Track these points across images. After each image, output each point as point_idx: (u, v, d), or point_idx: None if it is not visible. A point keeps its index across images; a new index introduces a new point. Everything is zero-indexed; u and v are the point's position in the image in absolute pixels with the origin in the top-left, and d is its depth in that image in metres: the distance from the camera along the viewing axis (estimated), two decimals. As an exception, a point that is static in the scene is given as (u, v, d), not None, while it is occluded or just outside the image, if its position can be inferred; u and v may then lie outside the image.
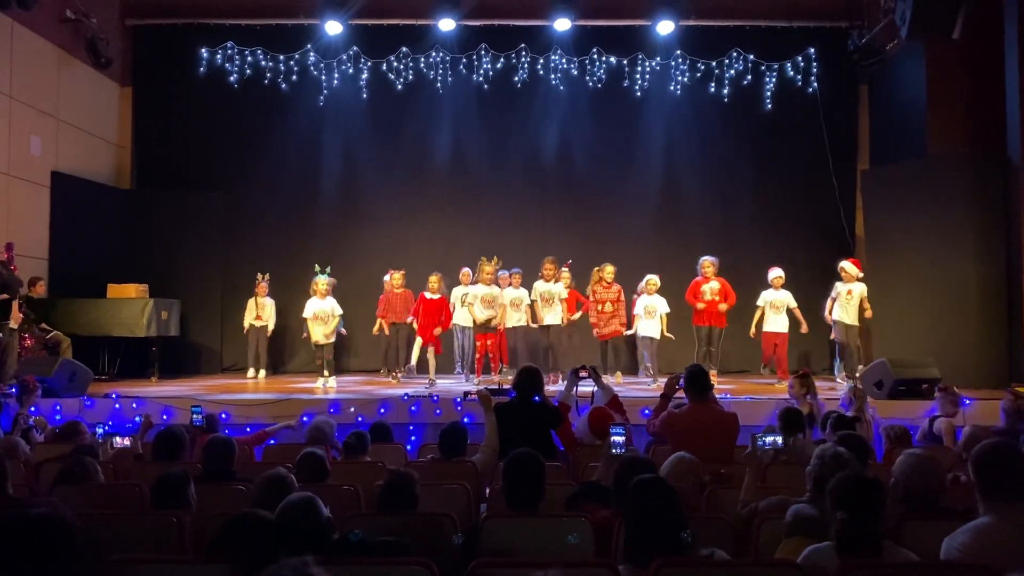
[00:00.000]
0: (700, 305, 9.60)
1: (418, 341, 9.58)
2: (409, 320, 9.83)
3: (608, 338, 9.88)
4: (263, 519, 2.86)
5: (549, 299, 9.71)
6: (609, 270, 9.77)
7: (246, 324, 10.72)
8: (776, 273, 9.77)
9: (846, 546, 2.74)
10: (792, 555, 2.91)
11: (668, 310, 9.70)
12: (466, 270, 9.92)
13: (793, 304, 9.71)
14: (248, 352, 10.80)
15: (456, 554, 3.30)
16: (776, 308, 9.71)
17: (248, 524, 2.84)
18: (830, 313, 9.61)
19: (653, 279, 9.76)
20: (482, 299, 9.72)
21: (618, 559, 3.23)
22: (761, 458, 4.08)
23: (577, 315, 10.01)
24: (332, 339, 9.38)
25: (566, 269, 9.97)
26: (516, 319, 9.84)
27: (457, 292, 9.91)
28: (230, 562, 2.73)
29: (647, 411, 6.81)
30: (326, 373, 9.19)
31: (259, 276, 10.73)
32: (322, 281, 9.36)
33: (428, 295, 9.54)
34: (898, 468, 3.37)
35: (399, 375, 9.93)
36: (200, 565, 2.79)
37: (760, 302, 9.77)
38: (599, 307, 9.78)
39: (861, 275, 9.60)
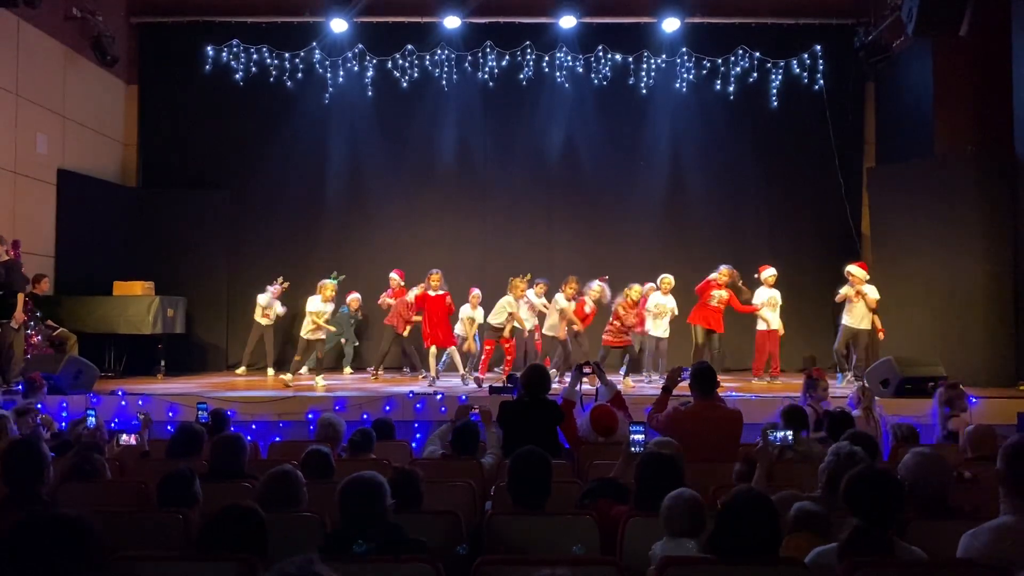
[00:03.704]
0: (714, 294, 9.48)
1: (432, 349, 9.46)
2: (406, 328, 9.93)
3: (613, 345, 9.80)
4: (250, 511, 2.87)
5: (570, 319, 9.39)
6: (636, 289, 9.52)
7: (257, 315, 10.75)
8: (770, 272, 9.74)
9: (854, 550, 2.71)
10: (795, 552, 2.91)
11: (676, 313, 9.68)
12: (476, 292, 9.85)
13: (779, 302, 9.69)
14: (246, 348, 10.81)
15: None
16: (771, 306, 9.69)
17: (235, 517, 2.85)
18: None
19: (668, 278, 9.72)
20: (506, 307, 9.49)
21: (622, 556, 3.24)
22: (770, 453, 4.09)
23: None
24: (321, 335, 9.39)
25: (602, 282, 9.64)
26: (529, 325, 9.61)
27: (465, 311, 9.82)
28: (219, 556, 2.75)
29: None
30: (301, 372, 9.25)
31: (279, 280, 10.63)
32: (330, 285, 9.41)
33: (432, 293, 9.51)
34: (904, 467, 3.35)
35: (379, 373, 10.12)
36: (206, 562, 2.80)
37: (759, 301, 9.70)
38: (619, 323, 9.62)
39: (867, 276, 9.50)
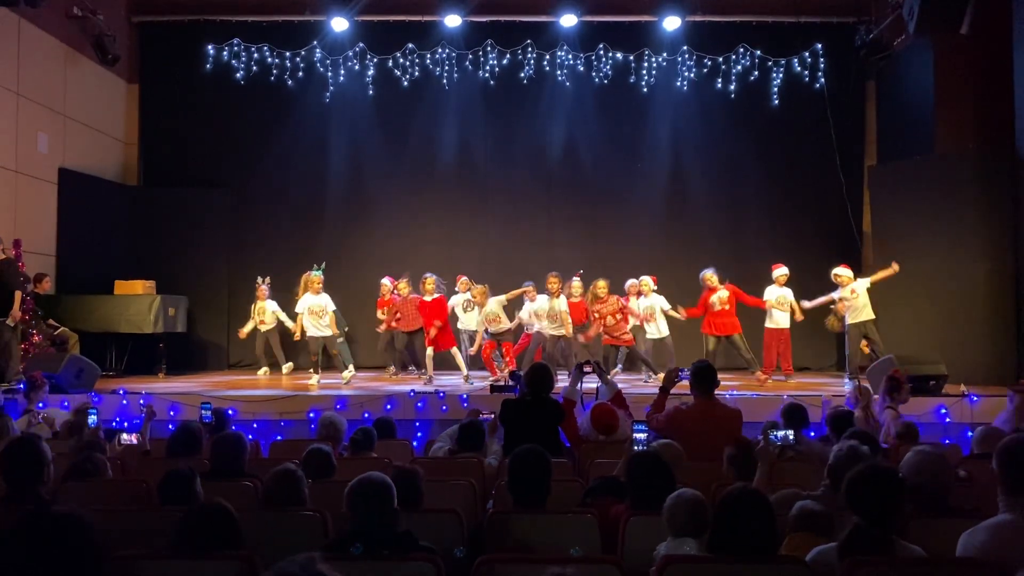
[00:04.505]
0: (713, 300, 9.41)
1: (429, 351, 9.47)
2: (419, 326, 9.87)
3: (614, 343, 9.78)
4: (220, 509, 2.88)
5: (554, 316, 9.31)
6: (601, 285, 9.35)
7: (245, 331, 10.52)
8: (782, 271, 9.73)
9: (855, 548, 2.71)
10: (796, 551, 2.90)
11: (667, 307, 9.69)
12: (464, 279, 9.89)
13: (792, 299, 9.69)
14: (257, 353, 10.81)
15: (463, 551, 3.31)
16: (781, 305, 9.68)
17: (208, 514, 2.86)
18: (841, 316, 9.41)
19: (646, 280, 9.73)
20: (487, 318, 9.50)
21: (623, 554, 3.24)
22: (771, 453, 4.09)
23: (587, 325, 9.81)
24: (327, 332, 9.30)
25: (577, 279, 9.61)
26: (550, 326, 9.36)
27: (457, 299, 9.90)
28: (220, 555, 2.76)
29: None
30: (320, 370, 9.35)
31: (259, 280, 10.57)
32: (316, 278, 9.32)
33: (426, 298, 9.52)
34: (905, 465, 3.34)
35: (397, 374, 10.26)
36: (206, 561, 2.80)
37: (769, 299, 9.70)
38: (603, 322, 9.59)
39: (852, 274, 9.38)
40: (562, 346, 9.51)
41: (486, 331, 9.59)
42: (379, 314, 10.40)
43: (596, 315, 9.35)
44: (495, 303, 9.51)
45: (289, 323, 9.95)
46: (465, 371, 9.42)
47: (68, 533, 2.15)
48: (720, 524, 2.75)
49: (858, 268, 10.26)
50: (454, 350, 9.48)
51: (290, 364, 10.66)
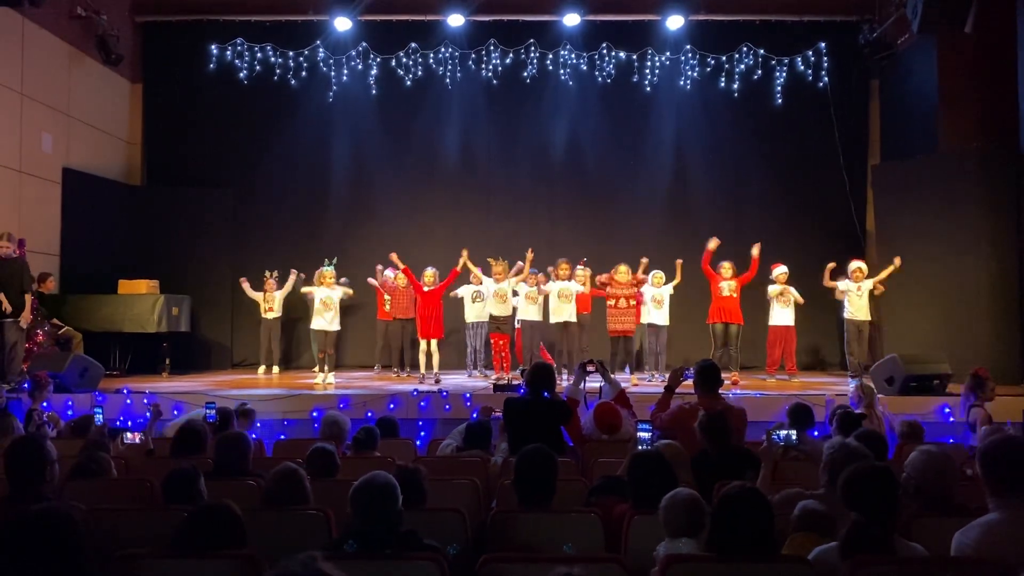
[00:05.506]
0: (723, 285, 9.52)
1: (423, 346, 9.63)
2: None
3: (619, 335, 9.83)
4: (227, 508, 2.88)
5: (566, 296, 9.48)
6: (622, 270, 9.63)
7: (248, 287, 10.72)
8: (781, 270, 9.75)
9: (855, 547, 2.70)
10: (798, 551, 2.90)
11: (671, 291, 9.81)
12: (477, 271, 9.94)
13: (797, 295, 9.75)
14: (260, 349, 10.84)
15: (467, 549, 3.30)
16: (783, 303, 9.69)
17: (212, 514, 2.87)
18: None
19: (659, 274, 9.80)
20: (496, 294, 9.73)
21: (627, 553, 3.23)
22: (774, 452, 4.08)
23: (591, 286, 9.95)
24: (332, 328, 9.40)
25: (581, 267, 9.84)
26: (531, 313, 9.65)
27: (467, 290, 9.97)
28: (222, 554, 2.76)
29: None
30: (326, 368, 9.33)
31: (267, 273, 10.71)
32: (328, 272, 9.46)
33: (425, 289, 9.61)
34: (910, 464, 3.34)
35: (403, 373, 10.23)
36: (209, 560, 2.80)
37: (770, 294, 9.80)
38: (613, 302, 9.69)
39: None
40: (570, 335, 9.56)
41: (490, 316, 9.75)
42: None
43: (609, 288, 9.58)
44: (507, 284, 9.69)
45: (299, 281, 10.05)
46: (423, 370, 9.59)
47: (52, 530, 2.14)
48: (719, 523, 2.75)
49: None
50: (435, 345, 9.60)
51: (276, 368, 10.70)
